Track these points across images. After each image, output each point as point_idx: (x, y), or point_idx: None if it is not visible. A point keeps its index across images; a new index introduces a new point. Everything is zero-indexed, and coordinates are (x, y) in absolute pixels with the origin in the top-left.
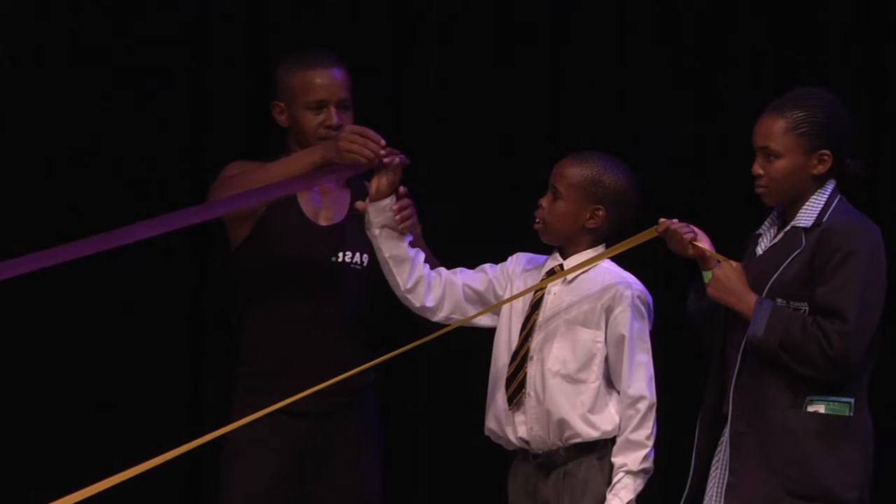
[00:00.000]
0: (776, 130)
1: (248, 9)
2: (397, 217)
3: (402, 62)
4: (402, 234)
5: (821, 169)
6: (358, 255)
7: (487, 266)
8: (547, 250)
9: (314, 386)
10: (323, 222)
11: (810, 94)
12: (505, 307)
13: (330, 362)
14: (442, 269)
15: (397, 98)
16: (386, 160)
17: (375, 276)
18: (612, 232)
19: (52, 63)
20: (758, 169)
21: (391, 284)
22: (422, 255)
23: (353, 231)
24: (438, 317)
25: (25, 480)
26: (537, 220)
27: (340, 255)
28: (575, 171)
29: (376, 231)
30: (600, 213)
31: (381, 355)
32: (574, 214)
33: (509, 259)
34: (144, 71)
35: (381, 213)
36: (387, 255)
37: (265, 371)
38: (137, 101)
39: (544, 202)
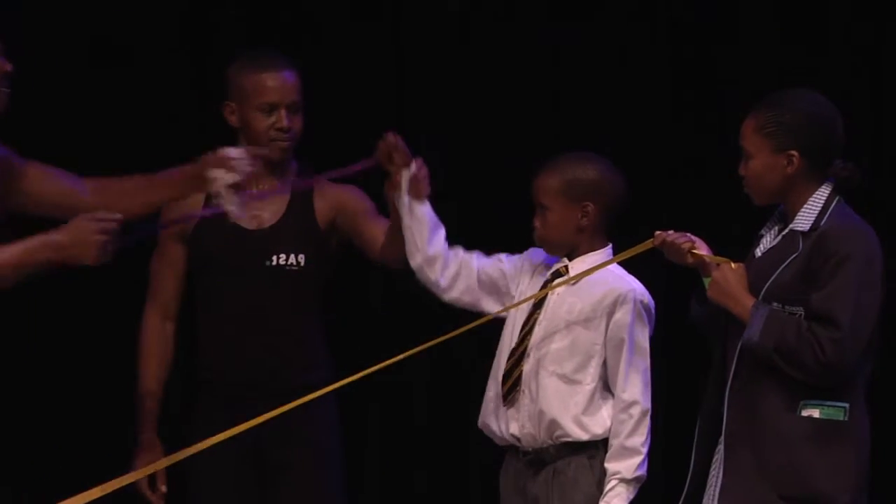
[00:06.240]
0: (748, 131)
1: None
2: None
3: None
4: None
5: (790, 170)
6: (293, 256)
7: (504, 256)
8: None
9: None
10: (254, 226)
11: (784, 94)
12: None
13: (268, 365)
14: (459, 249)
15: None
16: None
17: (316, 277)
18: (611, 223)
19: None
20: (741, 170)
21: (409, 252)
22: (443, 231)
23: (289, 232)
24: (449, 296)
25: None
26: (537, 241)
27: (275, 258)
28: (551, 180)
29: (406, 198)
30: (590, 208)
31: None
32: (566, 220)
33: (525, 253)
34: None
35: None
36: (418, 214)
37: (215, 371)
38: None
39: (537, 222)
